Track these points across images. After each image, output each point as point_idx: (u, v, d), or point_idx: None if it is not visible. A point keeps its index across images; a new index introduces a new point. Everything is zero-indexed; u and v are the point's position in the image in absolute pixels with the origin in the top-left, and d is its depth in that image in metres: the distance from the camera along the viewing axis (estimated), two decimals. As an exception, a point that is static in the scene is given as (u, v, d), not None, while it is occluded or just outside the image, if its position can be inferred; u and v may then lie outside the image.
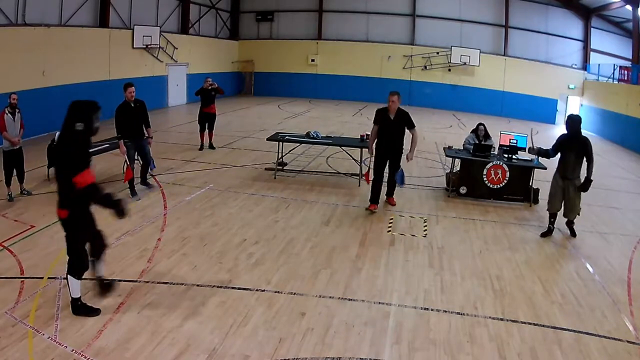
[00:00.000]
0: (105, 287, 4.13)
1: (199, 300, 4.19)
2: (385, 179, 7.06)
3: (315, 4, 22.43)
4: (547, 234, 6.30)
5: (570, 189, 6.12)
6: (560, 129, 18.28)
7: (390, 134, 6.68)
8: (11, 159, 6.62)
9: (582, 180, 6.09)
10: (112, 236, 5.50)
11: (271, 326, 3.85)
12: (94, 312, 3.95)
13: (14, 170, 6.69)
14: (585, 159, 6.02)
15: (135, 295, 4.22)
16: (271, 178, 8.37)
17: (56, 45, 11.86)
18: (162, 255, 5.06)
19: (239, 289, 4.43)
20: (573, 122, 6.16)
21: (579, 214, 6.27)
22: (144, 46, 15.75)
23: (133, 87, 7.03)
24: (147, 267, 4.77)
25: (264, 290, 4.41)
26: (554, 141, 6.37)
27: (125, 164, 7.08)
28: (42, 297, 4.10)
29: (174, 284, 4.45)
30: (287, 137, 8.65)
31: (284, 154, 8.82)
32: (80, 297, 3.95)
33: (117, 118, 6.94)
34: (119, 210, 3.72)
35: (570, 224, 6.39)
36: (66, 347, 3.43)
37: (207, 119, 10.34)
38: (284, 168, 8.87)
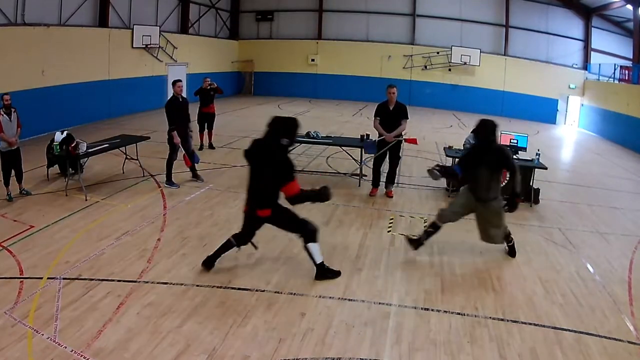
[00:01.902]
0: (323, 272, 4.57)
1: (198, 300, 4.18)
2: (386, 171, 7.53)
3: (315, 3, 22.41)
4: (416, 242, 5.22)
5: (484, 212, 4.97)
6: (560, 129, 18.40)
7: (389, 124, 7.14)
8: (9, 159, 6.58)
9: (501, 201, 4.97)
10: (111, 236, 5.51)
11: (271, 326, 3.84)
12: (335, 273, 4.63)
13: (12, 170, 6.66)
14: (508, 171, 4.91)
15: (135, 295, 4.22)
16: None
17: (55, 45, 11.85)
18: (162, 256, 5.05)
19: (239, 289, 4.42)
20: (483, 128, 4.88)
21: (502, 243, 5.19)
22: (144, 46, 15.73)
23: (181, 82, 7.60)
24: (147, 267, 4.76)
25: (263, 291, 4.41)
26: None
27: (183, 154, 7.63)
28: (42, 298, 4.09)
29: (173, 284, 4.44)
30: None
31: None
32: (323, 260, 4.52)
33: (169, 110, 7.39)
34: (323, 198, 4.27)
35: (509, 243, 5.36)
36: (65, 347, 3.43)
37: (206, 119, 10.33)
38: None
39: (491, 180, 4.91)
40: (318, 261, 4.53)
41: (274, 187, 4.23)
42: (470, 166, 5.04)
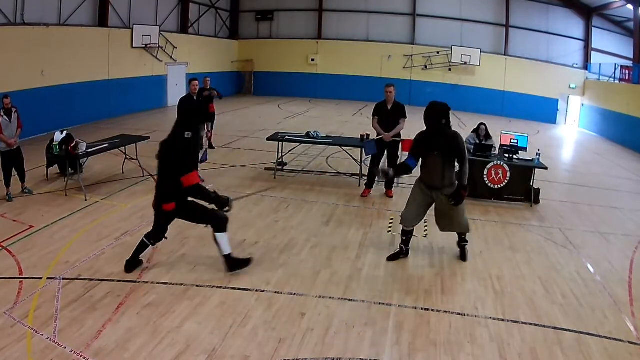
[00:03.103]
0: (232, 263, 4.55)
1: (198, 300, 4.18)
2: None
3: (315, 3, 22.40)
4: (395, 256, 5.13)
5: (442, 200, 4.80)
6: (561, 129, 18.39)
7: (387, 124, 7.11)
8: (9, 160, 6.59)
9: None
10: (111, 236, 5.50)
11: (271, 327, 3.84)
12: (246, 262, 4.61)
13: (13, 170, 6.67)
14: (457, 160, 4.63)
15: (135, 295, 4.21)
16: (271, 178, 8.35)
17: (55, 44, 11.84)
18: (162, 256, 5.04)
19: (239, 289, 4.41)
20: (432, 112, 4.57)
21: (469, 230, 5.08)
22: (143, 46, 15.72)
23: (197, 82, 7.71)
24: (147, 268, 4.75)
25: (263, 291, 4.40)
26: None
27: None
28: (41, 298, 4.08)
29: (173, 284, 4.44)
30: (287, 137, 8.63)
31: (284, 154, 8.80)
32: (231, 252, 4.52)
33: (180, 108, 7.53)
34: (221, 204, 4.34)
35: (462, 242, 5.17)
36: (65, 347, 3.42)
37: (206, 119, 10.32)
38: (284, 168, 8.85)
39: (445, 167, 4.67)
40: (225, 252, 4.51)
41: (177, 180, 4.28)
42: (422, 154, 4.77)
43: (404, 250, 5.19)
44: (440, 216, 4.99)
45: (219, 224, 4.46)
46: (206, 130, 7.92)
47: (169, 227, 4.62)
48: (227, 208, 4.39)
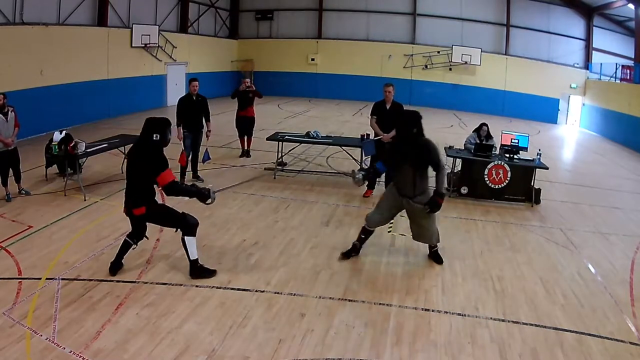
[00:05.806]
0: (196, 270, 4.52)
1: (198, 301, 4.16)
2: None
3: (315, 2, 22.37)
4: (347, 254, 5.07)
5: (412, 210, 4.75)
6: (562, 129, 18.36)
7: (385, 124, 7.05)
8: (6, 160, 6.49)
9: (429, 197, 4.68)
10: (110, 237, 5.49)
11: (271, 327, 3.82)
12: (211, 273, 4.56)
13: (10, 170, 6.59)
14: (432, 168, 4.61)
15: (134, 295, 4.19)
16: (271, 178, 8.34)
17: (54, 44, 11.82)
18: (161, 256, 5.03)
19: (239, 289, 4.40)
20: (403, 121, 4.60)
21: (438, 241, 5.02)
22: (143, 45, 15.71)
23: (197, 82, 7.64)
24: (146, 268, 4.74)
25: (263, 291, 4.39)
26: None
27: (182, 150, 7.56)
28: (40, 298, 4.07)
29: (172, 285, 4.42)
30: (287, 137, 8.61)
31: (283, 154, 8.78)
32: (197, 258, 4.51)
33: (179, 108, 7.65)
34: (202, 196, 4.36)
35: (432, 248, 5.10)
36: (64, 348, 3.41)
37: (243, 123, 9.69)
38: (284, 168, 8.84)
39: (417, 176, 4.65)
40: (192, 257, 4.48)
41: (147, 183, 4.29)
42: (394, 161, 4.77)
43: (357, 246, 5.13)
44: (412, 223, 4.98)
45: (189, 228, 4.42)
46: (207, 129, 7.86)
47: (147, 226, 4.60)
48: (209, 200, 4.38)
